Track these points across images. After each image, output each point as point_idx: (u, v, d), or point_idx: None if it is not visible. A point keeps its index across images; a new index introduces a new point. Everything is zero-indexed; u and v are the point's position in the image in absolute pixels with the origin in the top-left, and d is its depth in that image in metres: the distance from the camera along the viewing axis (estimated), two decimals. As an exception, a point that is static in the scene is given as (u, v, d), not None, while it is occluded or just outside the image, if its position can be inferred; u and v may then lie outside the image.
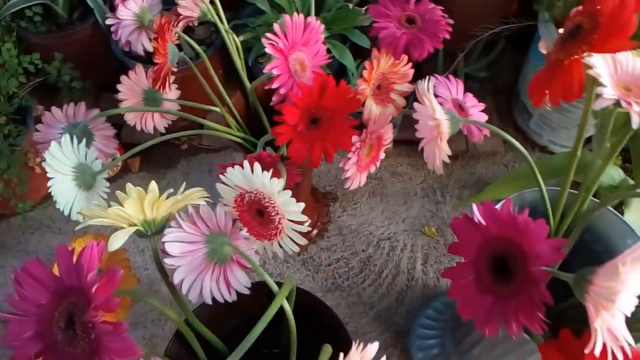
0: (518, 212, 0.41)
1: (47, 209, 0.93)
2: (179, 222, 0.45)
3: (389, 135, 0.60)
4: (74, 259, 0.37)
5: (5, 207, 0.91)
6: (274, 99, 0.52)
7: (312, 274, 0.89)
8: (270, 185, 0.44)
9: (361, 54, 0.92)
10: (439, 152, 0.48)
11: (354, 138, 0.54)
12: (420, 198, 0.97)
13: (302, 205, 0.44)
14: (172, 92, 0.73)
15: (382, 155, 0.61)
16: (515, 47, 1.06)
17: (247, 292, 0.46)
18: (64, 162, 0.54)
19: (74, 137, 0.55)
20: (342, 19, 0.86)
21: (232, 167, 0.48)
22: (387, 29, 0.57)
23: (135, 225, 0.44)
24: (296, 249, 0.47)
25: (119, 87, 0.69)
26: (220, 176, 0.47)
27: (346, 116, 0.53)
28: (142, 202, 0.43)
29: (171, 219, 0.46)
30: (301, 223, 0.45)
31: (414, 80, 0.99)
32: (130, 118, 0.70)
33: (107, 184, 0.58)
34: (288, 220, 0.45)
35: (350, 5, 0.85)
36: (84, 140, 0.56)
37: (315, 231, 0.93)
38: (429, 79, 0.51)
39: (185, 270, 0.44)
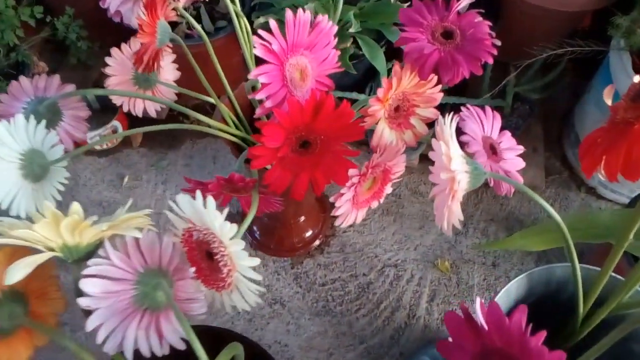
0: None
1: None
2: (107, 253, 0.36)
3: (399, 168, 0.49)
4: None
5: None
6: (257, 111, 0.42)
7: (303, 291, 0.80)
8: (221, 229, 0.34)
9: (397, 56, 0.81)
10: (448, 214, 0.38)
11: (352, 171, 0.44)
12: (439, 226, 0.86)
13: (257, 261, 0.35)
14: (169, 73, 0.65)
15: (389, 189, 0.51)
16: (578, 70, 0.93)
17: (182, 347, 0.37)
18: (11, 146, 0.46)
19: (31, 117, 0.47)
20: (381, 12, 0.74)
21: (205, 188, 0.39)
22: (416, 41, 0.46)
23: (52, 250, 0.36)
24: (248, 308, 0.38)
25: (108, 60, 0.60)
26: (170, 202, 0.38)
27: (343, 144, 0.43)
28: (57, 225, 0.34)
29: (102, 245, 0.37)
30: (256, 282, 0.36)
31: (453, 93, 0.87)
32: (115, 97, 0.62)
33: (66, 175, 0.50)
34: (241, 275, 0.36)
35: (392, -1, 0.73)
36: (44, 122, 0.48)
37: (316, 243, 0.84)
38: (453, 113, 0.40)
39: (105, 314, 0.36)
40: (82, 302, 0.35)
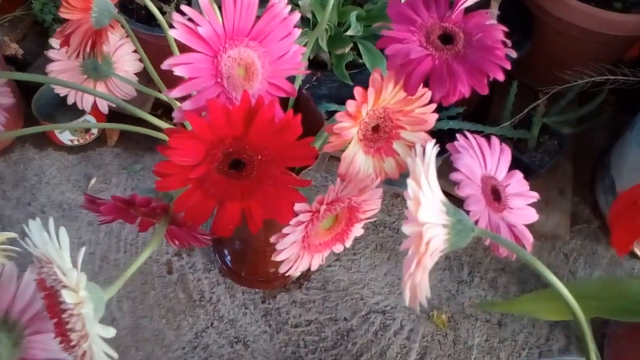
0: None
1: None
2: None
3: (372, 205, 0.38)
4: None
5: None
6: (174, 114, 0.31)
7: (272, 332, 0.69)
8: (67, 277, 0.24)
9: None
10: (411, 284, 0.27)
11: (299, 206, 0.33)
12: (440, 270, 0.74)
13: (112, 332, 0.24)
14: (129, 64, 0.55)
15: (358, 231, 0.40)
16: (621, 103, 0.80)
17: None
18: None
19: None
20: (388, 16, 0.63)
21: (96, 209, 0.29)
22: (403, 42, 0.34)
23: None
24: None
25: (52, 41, 0.51)
26: (26, 228, 0.27)
27: (286, 170, 0.32)
28: None
29: None
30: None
31: (470, 118, 0.75)
32: (59, 87, 0.52)
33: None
34: (94, 338, 0.25)
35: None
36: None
37: (295, 275, 0.73)
38: (434, 142, 0.29)
39: None
40: None
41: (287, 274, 0.72)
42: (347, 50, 0.62)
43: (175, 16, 0.29)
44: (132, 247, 0.74)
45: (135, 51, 0.55)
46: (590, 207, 0.79)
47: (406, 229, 0.25)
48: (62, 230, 0.24)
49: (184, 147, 0.29)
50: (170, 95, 0.30)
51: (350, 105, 0.34)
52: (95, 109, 0.60)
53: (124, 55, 0.55)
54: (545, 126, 0.73)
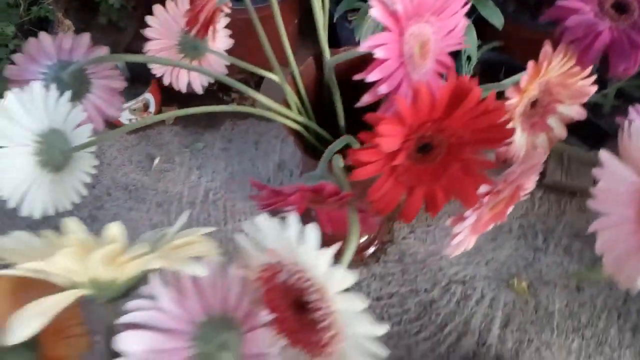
0: None
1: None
2: (155, 292, 0.25)
3: (531, 183, 0.37)
4: None
5: None
6: (365, 98, 0.30)
7: (356, 306, 0.69)
8: (325, 277, 0.23)
9: (484, 35, 0.68)
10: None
11: (483, 188, 0.32)
12: (514, 238, 0.74)
13: (383, 329, 0.23)
14: (220, 41, 0.53)
15: (510, 209, 0.39)
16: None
17: None
18: (24, 123, 0.34)
19: (52, 86, 0.36)
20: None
21: (282, 200, 0.28)
22: (579, 13, 0.33)
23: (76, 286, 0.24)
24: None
25: (149, 19, 0.49)
26: (244, 224, 0.26)
27: (481, 151, 0.31)
28: (85, 256, 0.23)
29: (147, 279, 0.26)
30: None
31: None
32: (156, 66, 0.50)
33: (94, 162, 0.39)
34: (353, 338, 0.24)
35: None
36: (68, 93, 0.37)
37: (371, 250, 0.72)
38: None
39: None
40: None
41: (364, 250, 0.72)
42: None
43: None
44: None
45: (226, 27, 0.53)
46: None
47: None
48: (312, 231, 0.23)
49: (389, 133, 0.28)
50: (368, 78, 0.29)
51: (522, 79, 0.33)
52: (154, 87, 0.57)
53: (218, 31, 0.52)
54: (621, 90, 0.72)
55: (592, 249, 0.72)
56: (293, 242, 0.23)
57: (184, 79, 0.52)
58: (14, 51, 0.65)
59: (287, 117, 0.49)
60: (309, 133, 0.51)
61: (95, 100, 0.43)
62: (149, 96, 0.77)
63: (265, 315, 0.27)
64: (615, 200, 0.28)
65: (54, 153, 0.36)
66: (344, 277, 0.23)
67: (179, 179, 0.77)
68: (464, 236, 0.35)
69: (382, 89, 0.29)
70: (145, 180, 0.77)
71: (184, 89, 0.52)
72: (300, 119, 0.50)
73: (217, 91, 0.83)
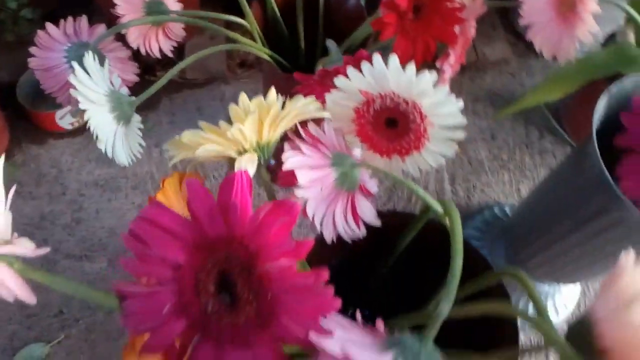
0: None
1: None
2: (296, 145, 0.35)
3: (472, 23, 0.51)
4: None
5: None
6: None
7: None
8: (417, 84, 0.34)
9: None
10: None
11: (457, 28, 0.45)
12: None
13: (461, 104, 0.35)
14: (172, 2, 0.60)
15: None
16: None
17: (378, 223, 0.37)
18: (95, 89, 0.41)
19: (94, 60, 0.42)
20: None
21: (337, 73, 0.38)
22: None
23: (243, 151, 0.33)
24: (442, 161, 0.38)
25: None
26: (336, 81, 0.36)
27: (452, 1, 0.43)
28: (262, 120, 0.32)
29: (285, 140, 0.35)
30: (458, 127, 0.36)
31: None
32: (133, 38, 0.56)
33: (139, 118, 0.46)
34: (439, 126, 0.36)
35: None
36: (107, 63, 0.43)
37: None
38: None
39: (315, 202, 0.34)
40: (298, 193, 0.33)
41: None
42: None
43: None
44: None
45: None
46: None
47: None
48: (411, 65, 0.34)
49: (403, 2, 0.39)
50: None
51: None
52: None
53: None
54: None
55: (491, 105, 0.91)
56: (384, 73, 0.34)
57: (155, 45, 0.58)
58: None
59: (259, 50, 0.58)
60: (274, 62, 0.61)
61: (114, 70, 0.49)
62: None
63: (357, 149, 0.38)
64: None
65: (123, 108, 0.42)
66: (430, 76, 0.34)
67: (143, 160, 0.81)
68: (449, 74, 0.48)
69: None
70: (111, 172, 0.80)
71: (157, 54, 0.58)
72: (266, 50, 0.59)
73: (142, 74, 0.87)
